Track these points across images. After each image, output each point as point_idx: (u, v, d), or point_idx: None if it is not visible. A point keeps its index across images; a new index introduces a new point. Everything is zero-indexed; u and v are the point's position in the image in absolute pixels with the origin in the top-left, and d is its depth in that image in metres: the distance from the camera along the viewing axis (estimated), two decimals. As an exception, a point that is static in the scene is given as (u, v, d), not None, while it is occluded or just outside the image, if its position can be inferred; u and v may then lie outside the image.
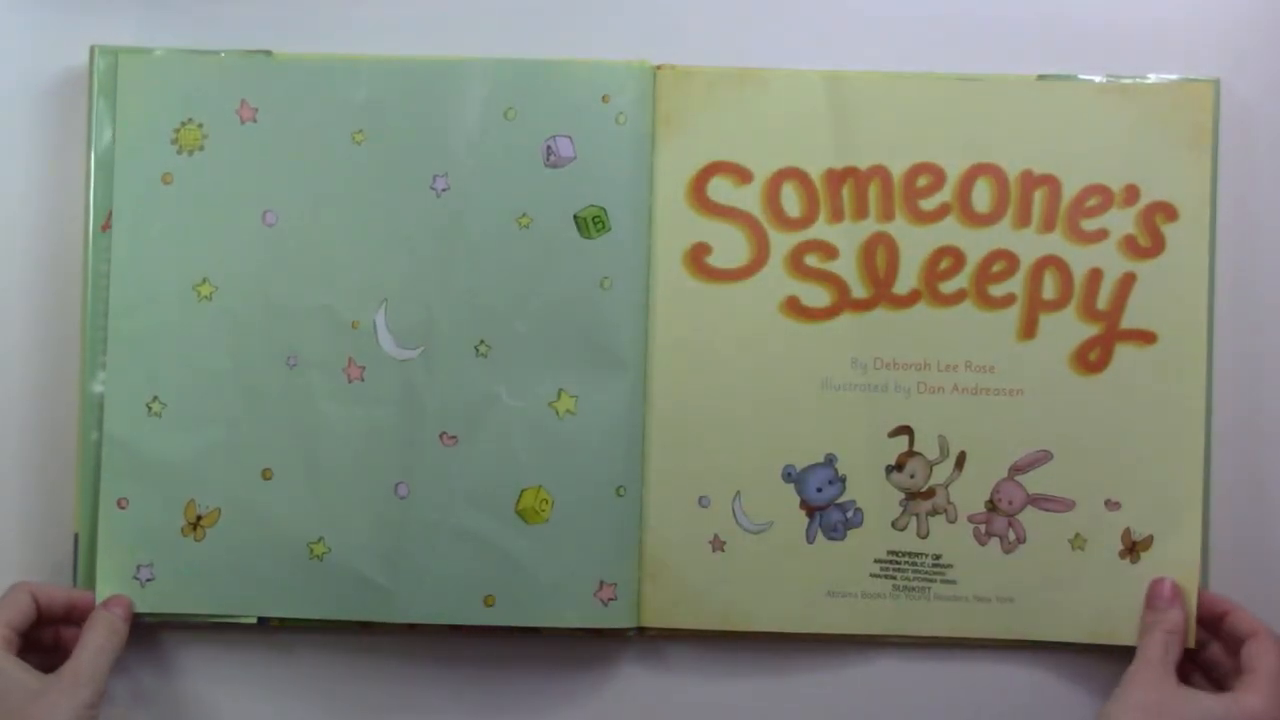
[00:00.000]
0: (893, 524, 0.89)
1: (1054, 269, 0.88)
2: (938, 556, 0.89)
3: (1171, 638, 0.85)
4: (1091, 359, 0.88)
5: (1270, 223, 0.90)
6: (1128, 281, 0.88)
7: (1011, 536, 0.89)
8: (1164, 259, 0.88)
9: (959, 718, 0.90)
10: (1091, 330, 0.88)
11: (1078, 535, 0.88)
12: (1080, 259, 0.88)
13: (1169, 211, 0.88)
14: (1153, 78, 0.89)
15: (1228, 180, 0.89)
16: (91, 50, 0.89)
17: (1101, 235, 0.88)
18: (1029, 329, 0.89)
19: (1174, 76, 0.89)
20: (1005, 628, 0.89)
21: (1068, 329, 0.88)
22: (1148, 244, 0.88)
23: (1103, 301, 0.88)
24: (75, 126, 0.90)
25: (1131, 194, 0.88)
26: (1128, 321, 0.88)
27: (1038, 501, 0.88)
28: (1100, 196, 0.88)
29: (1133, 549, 0.88)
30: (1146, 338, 0.88)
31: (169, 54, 0.89)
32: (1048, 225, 0.89)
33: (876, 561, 0.89)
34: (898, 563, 0.89)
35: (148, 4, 0.91)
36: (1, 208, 0.91)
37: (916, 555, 0.89)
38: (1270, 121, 0.90)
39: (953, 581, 0.89)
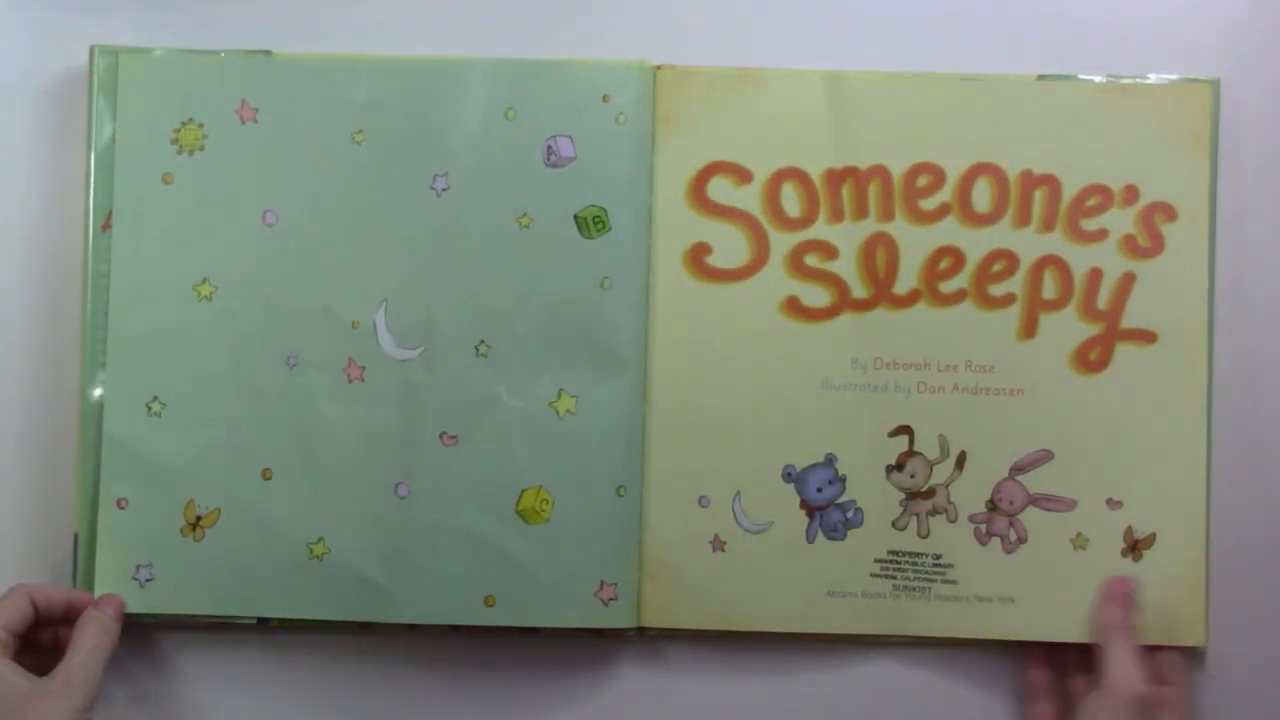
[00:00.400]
0: (893, 524, 0.89)
1: (1054, 269, 0.88)
2: (938, 556, 0.89)
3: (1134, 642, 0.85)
4: (1092, 358, 0.88)
5: (1270, 222, 0.90)
6: (1128, 281, 0.88)
7: (1013, 536, 0.89)
8: (1164, 258, 0.88)
9: (959, 718, 0.90)
10: (1092, 330, 0.88)
11: (1079, 535, 0.88)
12: (1080, 259, 0.88)
13: (1168, 211, 0.88)
14: (1153, 78, 0.89)
15: (1227, 180, 0.89)
16: (91, 50, 0.89)
17: (1101, 235, 0.88)
18: (1029, 329, 0.88)
19: (1174, 76, 0.89)
20: (1006, 628, 0.88)
21: (1068, 328, 0.88)
22: (1147, 244, 0.88)
23: (1103, 301, 0.88)
24: (75, 126, 0.90)
25: (1131, 194, 0.88)
26: (1128, 321, 0.88)
27: (1039, 501, 0.88)
28: (1100, 196, 0.88)
29: (1135, 548, 0.88)
30: (1147, 337, 0.88)
31: (169, 54, 0.89)
32: (1048, 225, 0.89)
33: (877, 561, 0.89)
34: (898, 563, 0.89)
35: (148, 4, 0.91)
36: (1, 208, 0.91)
37: (917, 555, 0.89)
38: (1270, 121, 0.90)
39: (953, 581, 0.89)
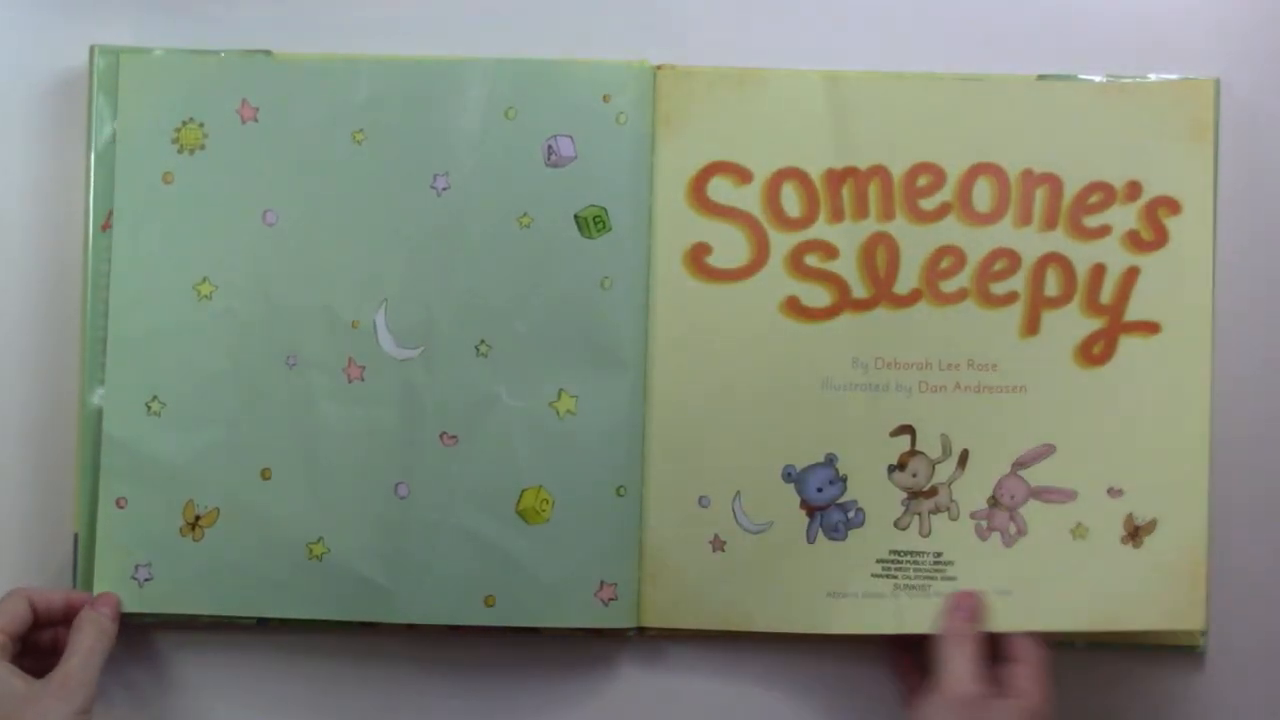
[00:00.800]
0: (895, 523, 0.89)
1: (1056, 266, 0.88)
2: (939, 554, 0.89)
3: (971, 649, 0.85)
4: (1095, 352, 0.88)
5: (1273, 215, 0.90)
6: (1131, 275, 0.88)
7: (1012, 530, 0.88)
8: (1167, 251, 0.88)
9: (961, 719, 0.90)
10: (1095, 324, 0.88)
11: (1079, 525, 0.88)
12: (1083, 255, 0.88)
13: (1172, 205, 0.88)
14: (1153, 77, 0.89)
15: (1229, 173, 0.89)
16: (91, 50, 0.89)
17: (1104, 231, 0.88)
18: (1031, 326, 0.88)
19: (1174, 76, 0.89)
20: (1006, 621, 0.87)
21: (1071, 324, 0.88)
22: (1151, 237, 0.88)
23: (1106, 295, 0.88)
24: (75, 126, 0.90)
25: (1134, 190, 0.88)
26: (1131, 314, 0.88)
27: (1040, 494, 0.88)
28: (1102, 193, 0.88)
29: (1135, 534, 0.88)
30: (1150, 329, 0.88)
31: (169, 54, 0.89)
32: (1049, 223, 0.88)
33: (878, 561, 0.89)
34: (899, 562, 0.89)
35: (148, 4, 0.92)
36: (1, 208, 0.91)
37: (918, 554, 0.89)
38: (1271, 118, 0.90)
39: (953, 578, 0.88)
